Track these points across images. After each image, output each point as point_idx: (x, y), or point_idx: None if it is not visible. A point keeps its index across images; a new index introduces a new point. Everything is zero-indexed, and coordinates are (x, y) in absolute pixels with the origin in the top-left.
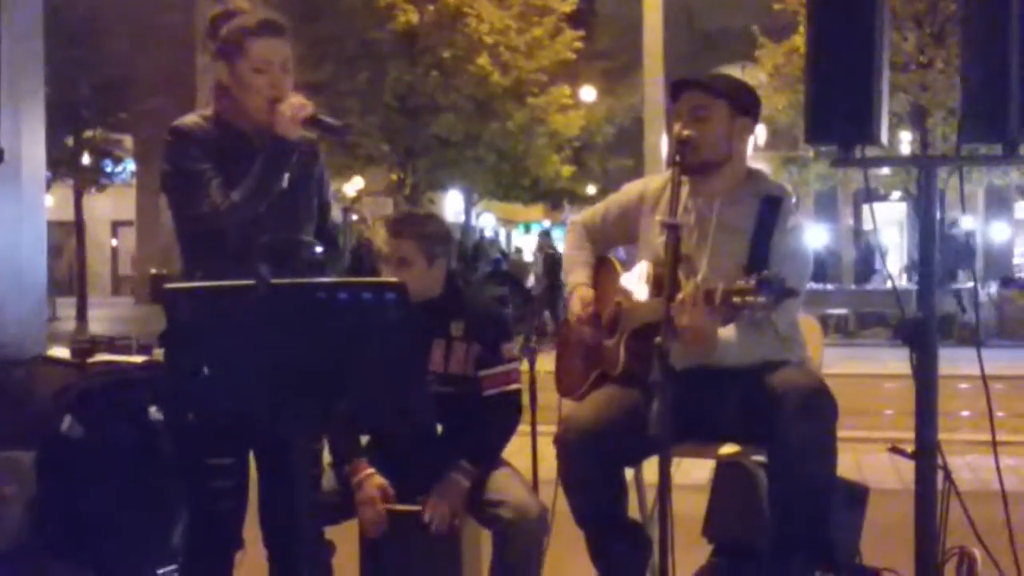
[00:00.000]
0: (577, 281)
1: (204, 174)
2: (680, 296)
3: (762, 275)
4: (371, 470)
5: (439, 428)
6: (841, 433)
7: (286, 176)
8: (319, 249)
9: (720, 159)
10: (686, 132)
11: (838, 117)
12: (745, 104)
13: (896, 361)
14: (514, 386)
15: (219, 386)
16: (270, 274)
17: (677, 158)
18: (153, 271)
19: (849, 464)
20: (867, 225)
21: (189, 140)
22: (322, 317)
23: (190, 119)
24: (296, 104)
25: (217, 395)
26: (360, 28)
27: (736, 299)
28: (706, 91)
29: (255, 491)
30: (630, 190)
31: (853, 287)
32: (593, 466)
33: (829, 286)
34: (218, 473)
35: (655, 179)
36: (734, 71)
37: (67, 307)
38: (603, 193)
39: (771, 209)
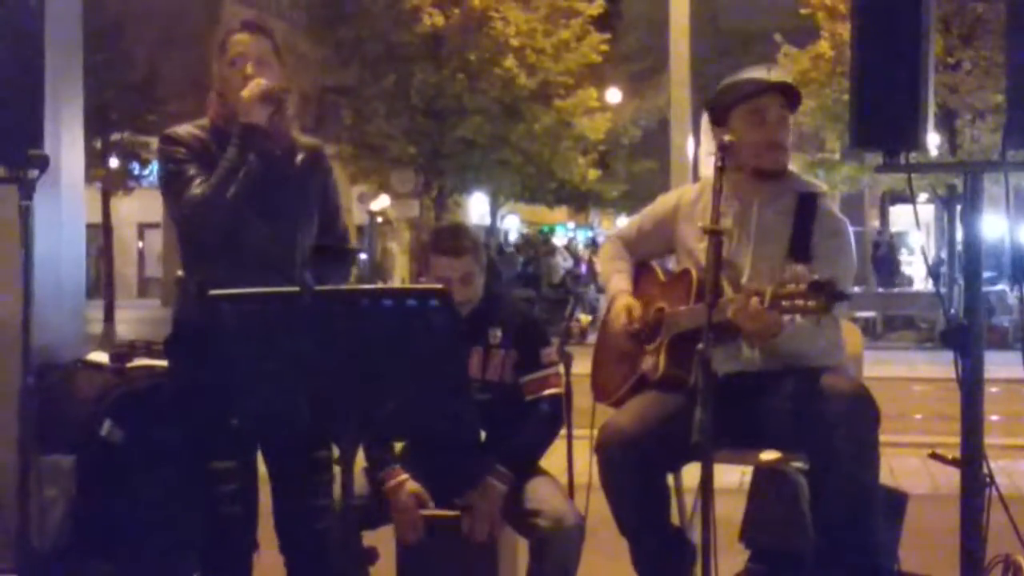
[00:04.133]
0: (618, 288)
1: (185, 172)
2: (734, 310)
3: (814, 279)
4: (404, 476)
5: (483, 435)
6: None
7: (289, 183)
8: (363, 255)
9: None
10: (728, 137)
11: (884, 123)
12: (797, 106)
13: (925, 364)
14: (557, 389)
15: (257, 391)
16: (313, 281)
17: (719, 164)
18: (179, 273)
19: (882, 469)
20: (894, 227)
21: (176, 143)
22: (366, 323)
23: (181, 127)
24: (251, 85)
25: (258, 400)
26: (386, 31)
27: (785, 302)
28: (790, 101)
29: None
30: (664, 202)
31: (880, 290)
32: (635, 473)
33: (856, 288)
34: (222, 477)
35: (688, 188)
36: (760, 73)
37: (94, 309)
38: (628, 196)
39: (808, 207)
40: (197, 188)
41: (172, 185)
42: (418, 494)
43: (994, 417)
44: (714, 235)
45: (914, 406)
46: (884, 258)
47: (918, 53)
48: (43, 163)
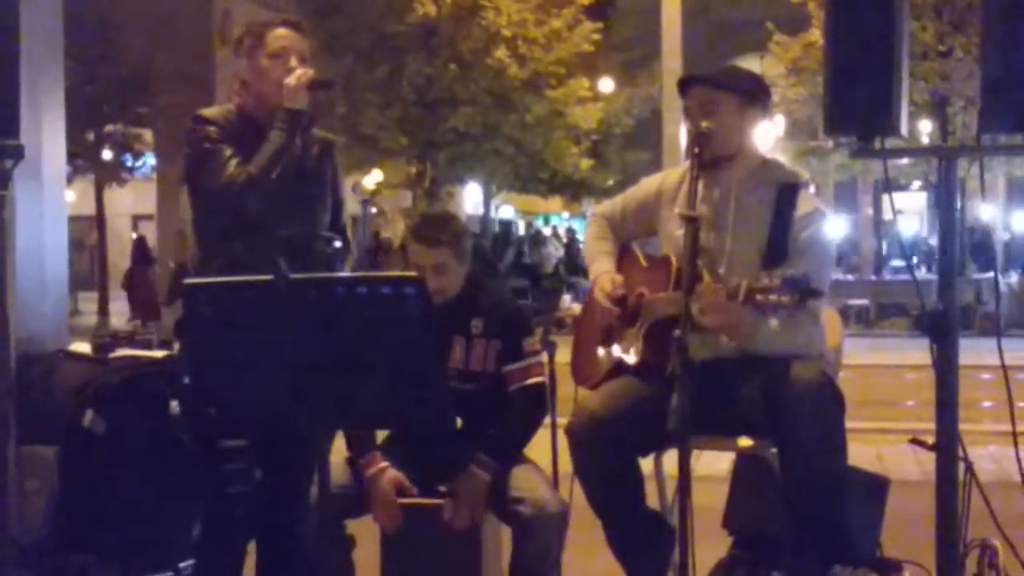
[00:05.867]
0: (602, 269)
1: (222, 151)
2: (703, 301)
3: (787, 274)
4: (384, 464)
5: (459, 422)
6: (862, 424)
7: (309, 172)
8: (338, 244)
9: (732, 151)
10: (705, 124)
11: (857, 108)
12: (753, 94)
13: (917, 351)
14: (538, 379)
15: (237, 380)
16: (288, 268)
17: (696, 150)
18: (172, 264)
19: (870, 455)
20: (887, 215)
21: (208, 123)
22: (341, 312)
23: (210, 109)
24: (299, 73)
25: (235, 389)
26: (378, 21)
27: (759, 297)
28: (713, 86)
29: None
30: (648, 184)
31: (873, 277)
32: (604, 454)
33: (849, 276)
34: (231, 455)
35: (673, 172)
36: (753, 61)
37: (89, 301)
38: (622, 185)
39: (788, 197)
40: (235, 168)
41: (208, 163)
42: (399, 481)
43: (986, 404)
44: (690, 221)
45: (906, 393)
46: (980, 245)
47: (892, 37)
48: (18, 153)
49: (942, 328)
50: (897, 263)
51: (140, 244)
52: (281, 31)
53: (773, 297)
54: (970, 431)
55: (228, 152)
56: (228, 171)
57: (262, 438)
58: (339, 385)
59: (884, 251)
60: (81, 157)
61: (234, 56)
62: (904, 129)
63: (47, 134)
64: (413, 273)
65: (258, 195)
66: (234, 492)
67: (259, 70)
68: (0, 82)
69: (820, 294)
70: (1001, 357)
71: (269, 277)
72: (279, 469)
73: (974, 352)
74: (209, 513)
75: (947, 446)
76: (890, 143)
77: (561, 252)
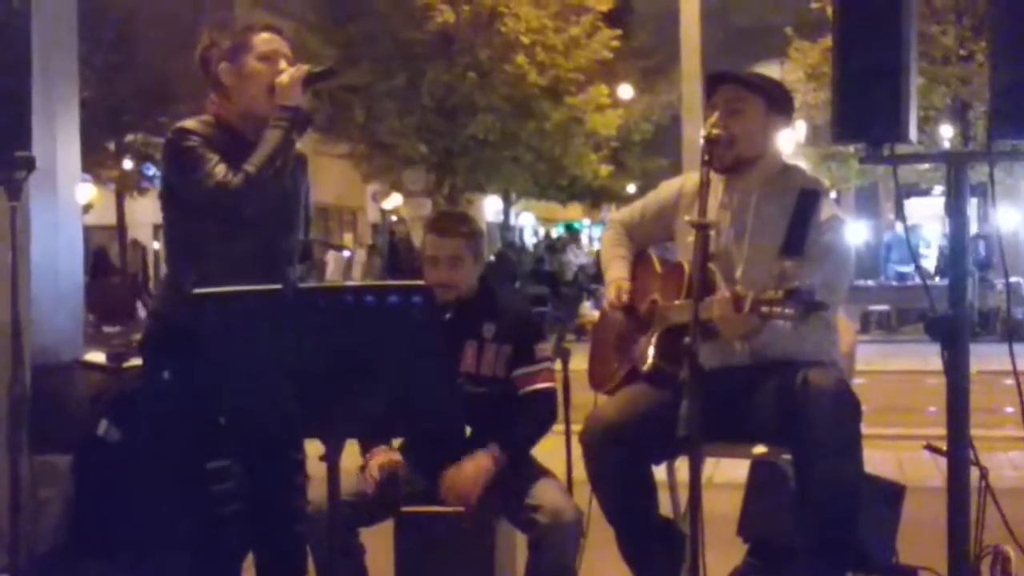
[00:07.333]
0: (615, 276)
1: (208, 158)
2: (714, 314)
3: (792, 287)
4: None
5: (468, 430)
6: (882, 430)
7: (286, 187)
8: (347, 253)
9: (755, 154)
10: (715, 130)
11: (867, 115)
12: (780, 102)
13: (938, 357)
14: (548, 384)
15: (243, 389)
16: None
17: (706, 157)
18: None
19: (890, 461)
20: (909, 220)
21: (191, 132)
22: (349, 320)
23: (189, 120)
24: (291, 70)
25: (241, 398)
26: (396, 29)
27: (764, 308)
28: (743, 85)
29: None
30: (667, 188)
31: (895, 283)
32: (617, 462)
33: (870, 282)
34: (217, 477)
35: (692, 177)
36: (772, 67)
37: None
38: (642, 192)
39: (808, 203)
40: (227, 173)
41: (194, 172)
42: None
43: (1009, 409)
44: (700, 228)
45: (927, 399)
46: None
47: (900, 43)
48: (30, 164)
49: (952, 333)
50: (902, 268)
51: (99, 255)
52: (266, 35)
53: (777, 309)
54: (992, 437)
55: (215, 158)
56: (218, 176)
57: (253, 449)
58: (348, 393)
59: (885, 254)
60: (101, 167)
61: (202, 62)
62: (913, 134)
63: (61, 144)
64: (420, 282)
65: (256, 198)
66: (226, 512)
67: (246, 73)
68: (11, 93)
69: (826, 307)
70: (1013, 362)
71: (278, 286)
72: (269, 474)
73: (997, 357)
74: (200, 540)
75: (958, 452)
76: (900, 148)
77: (582, 260)
